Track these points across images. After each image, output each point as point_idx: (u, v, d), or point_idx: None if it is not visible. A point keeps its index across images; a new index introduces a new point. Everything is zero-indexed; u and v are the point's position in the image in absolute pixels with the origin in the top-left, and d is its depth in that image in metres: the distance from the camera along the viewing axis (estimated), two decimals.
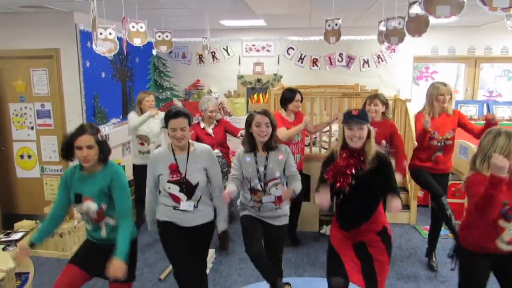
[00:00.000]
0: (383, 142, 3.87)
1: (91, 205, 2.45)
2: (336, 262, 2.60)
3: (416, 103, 6.56)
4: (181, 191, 2.78)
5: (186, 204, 2.79)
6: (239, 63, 6.74)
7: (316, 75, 6.57)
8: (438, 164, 3.90)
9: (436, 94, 3.81)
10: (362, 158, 2.50)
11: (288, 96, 4.13)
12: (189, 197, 2.79)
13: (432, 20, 3.08)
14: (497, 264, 2.50)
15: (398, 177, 3.85)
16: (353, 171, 2.47)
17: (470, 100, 6.64)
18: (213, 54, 6.74)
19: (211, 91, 6.75)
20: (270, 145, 2.99)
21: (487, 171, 2.24)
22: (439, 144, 3.87)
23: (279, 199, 3.02)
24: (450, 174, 4.19)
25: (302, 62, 6.60)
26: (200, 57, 6.79)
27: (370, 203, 2.59)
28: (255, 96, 6.68)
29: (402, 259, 4.20)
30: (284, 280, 3.75)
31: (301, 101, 4.18)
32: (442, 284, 3.75)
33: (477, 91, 6.69)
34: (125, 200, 2.50)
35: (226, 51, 6.74)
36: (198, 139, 4.23)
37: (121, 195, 2.48)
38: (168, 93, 6.76)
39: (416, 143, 4.09)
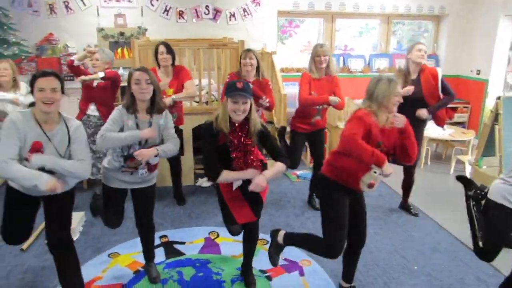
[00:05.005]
0: (264, 97, 3.83)
1: None
2: (227, 212, 2.73)
3: (282, 58, 6.86)
4: None
5: None
6: (98, 14, 6.15)
7: (183, 28, 6.33)
8: (315, 126, 4.00)
9: (314, 56, 3.81)
10: (246, 132, 2.57)
11: (154, 50, 3.91)
12: None
13: None
14: (352, 200, 2.64)
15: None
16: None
17: None
18: (66, 4, 6.02)
19: (67, 46, 6.07)
20: (154, 107, 2.75)
21: (376, 108, 2.51)
22: (318, 107, 3.90)
23: (154, 167, 2.84)
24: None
25: (167, 14, 6.28)
26: (51, 7, 6.01)
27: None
28: (119, 51, 6.21)
29: (274, 202, 4.45)
30: (161, 233, 3.70)
31: (168, 52, 3.91)
32: (308, 220, 4.09)
33: (334, 45, 7.21)
34: None
35: (82, 0, 6.08)
36: None
37: None
38: (16, 48, 5.88)
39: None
